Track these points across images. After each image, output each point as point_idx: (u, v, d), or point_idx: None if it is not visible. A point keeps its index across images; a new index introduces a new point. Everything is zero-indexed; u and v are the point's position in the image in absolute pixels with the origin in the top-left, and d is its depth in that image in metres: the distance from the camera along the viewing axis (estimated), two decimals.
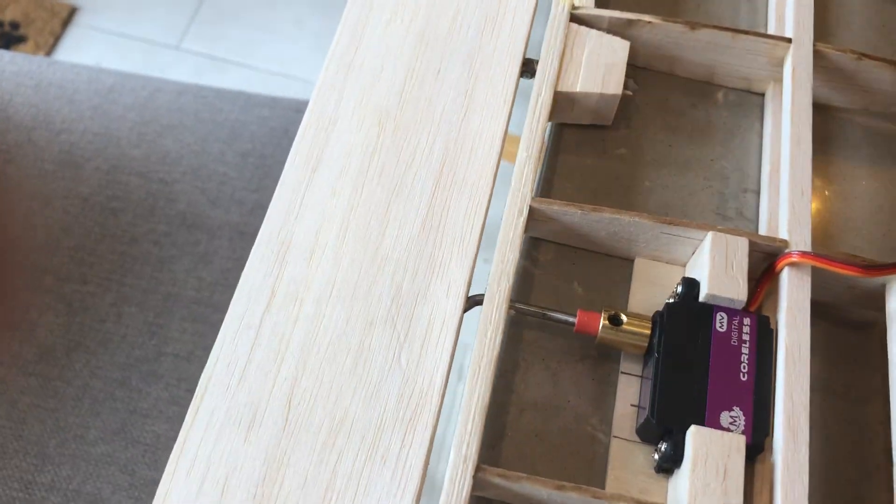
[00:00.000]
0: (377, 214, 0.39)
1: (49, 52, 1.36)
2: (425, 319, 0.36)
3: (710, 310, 0.36)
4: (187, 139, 0.86)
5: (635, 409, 0.37)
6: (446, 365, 0.35)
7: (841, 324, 0.40)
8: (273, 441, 0.33)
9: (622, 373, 0.38)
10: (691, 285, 0.37)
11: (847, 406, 0.39)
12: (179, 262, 0.79)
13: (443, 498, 0.32)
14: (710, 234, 0.37)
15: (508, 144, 0.42)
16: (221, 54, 1.40)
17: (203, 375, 0.35)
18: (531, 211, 0.39)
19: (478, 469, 0.33)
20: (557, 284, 0.41)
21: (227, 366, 0.35)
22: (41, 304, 0.75)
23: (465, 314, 0.38)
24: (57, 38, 1.38)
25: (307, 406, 0.34)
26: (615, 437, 0.36)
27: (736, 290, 0.36)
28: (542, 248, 0.42)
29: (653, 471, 0.35)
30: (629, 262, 0.41)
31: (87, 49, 1.38)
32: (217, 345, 0.36)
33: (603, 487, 0.35)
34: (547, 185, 0.44)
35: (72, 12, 1.40)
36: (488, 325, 0.36)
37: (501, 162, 0.42)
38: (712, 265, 0.37)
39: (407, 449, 0.33)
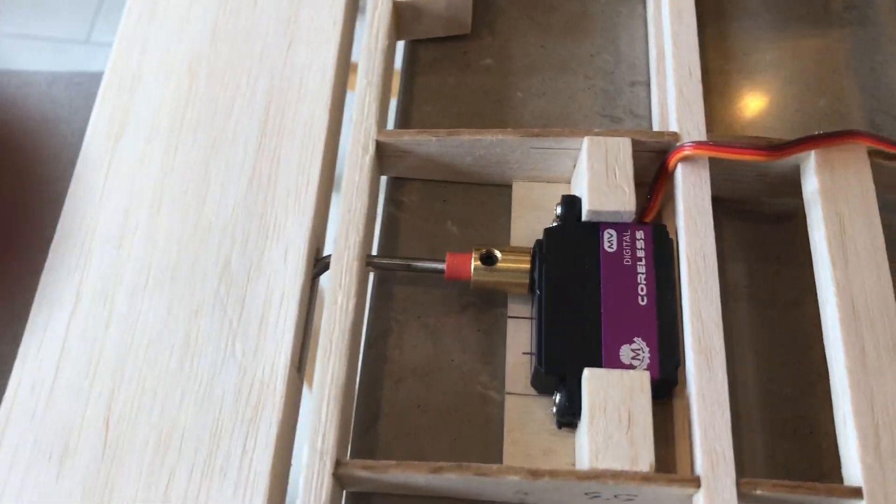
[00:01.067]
0: (195, 177, 0.32)
1: None
2: (261, 296, 0.30)
3: (595, 228, 0.31)
4: (63, 131, 0.78)
5: (528, 357, 0.31)
6: (289, 346, 0.29)
7: (757, 220, 0.35)
8: (91, 471, 0.28)
9: (510, 317, 0.32)
10: (571, 204, 0.31)
11: (777, 313, 0.33)
12: None
13: None
14: (585, 140, 0.32)
15: (354, 74, 0.36)
16: (35, 31, 1.31)
17: (3, 405, 0.29)
18: (380, 147, 0.33)
19: (338, 464, 0.27)
20: (429, 228, 0.35)
21: (31, 389, 0.29)
22: None
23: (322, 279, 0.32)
24: None
25: (129, 422, 0.28)
26: (509, 393, 0.31)
27: (622, 200, 0.30)
28: (407, 189, 0.36)
29: (555, 427, 0.30)
30: (507, 188, 0.35)
31: None
32: (17, 365, 0.30)
33: (499, 452, 0.30)
34: (405, 115, 0.37)
35: None
36: (338, 289, 0.30)
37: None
38: (591, 175, 0.31)
39: (249, 455, 0.27)
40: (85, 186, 0.33)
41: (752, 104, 0.38)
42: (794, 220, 0.35)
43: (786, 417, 0.31)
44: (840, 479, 0.30)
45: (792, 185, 0.33)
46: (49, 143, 0.78)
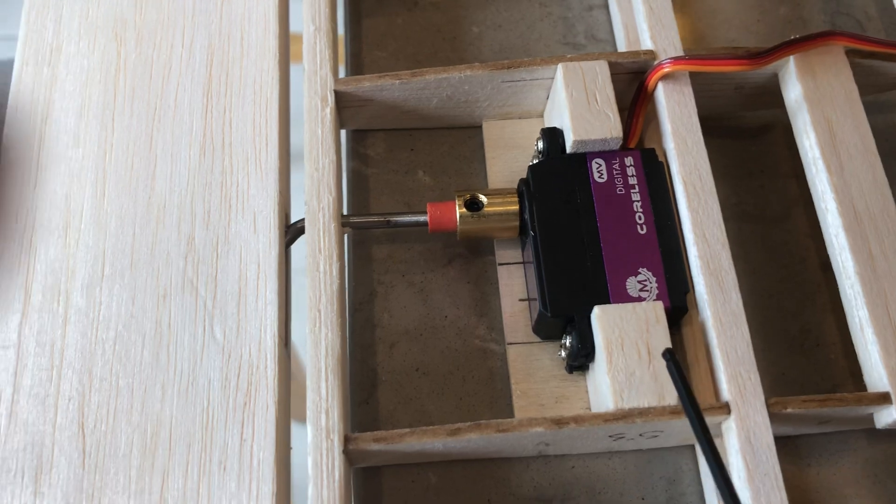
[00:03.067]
0: (140, 152, 0.29)
1: None
2: (234, 271, 0.27)
3: (582, 159, 0.29)
4: None
5: (526, 303, 0.30)
6: (275, 320, 0.27)
7: (735, 135, 0.34)
8: (73, 484, 0.25)
9: (500, 264, 0.30)
10: (553, 136, 0.29)
11: (766, 227, 0.32)
12: None
13: (311, 491, 0.24)
14: (559, 67, 0.30)
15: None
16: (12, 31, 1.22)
17: None
18: (339, 97, 0.30)
19: (347, 440, 0.25)
20: (399, 179, 0.32)
21: None
22: None
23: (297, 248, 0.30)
24: None
25: (107, 426, 0.25)
26: (510, 343, 0.29)
27: (607, 126, 0.29)
28: (370, 140, 0.33)
29: (565, 371, 0.28)
30: (477, 129, 0.33)
31: None
32: None
33: (510, 405, 0.28)
34: (356, 62, 0.35)
35: None
36: (318, 254, 0.27)
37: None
38: (572, 104, 0.29)
39: (249, 444, 0.25)
40: (14, 174, 0.29)
41: (714, 18, 0.36)
42: (773, 132, 0.34)
43: (791, 332, 0.30)
44: (855, 386, 0.29)
45: (770, 94, 0.32)
46: None
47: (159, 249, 0.28)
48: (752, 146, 0.34)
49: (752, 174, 0.33)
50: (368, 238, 0.31)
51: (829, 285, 0.31)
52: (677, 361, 0.23)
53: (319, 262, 0.27)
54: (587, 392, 0.28)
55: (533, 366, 0.29)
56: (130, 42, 0.31)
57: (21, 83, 0.31)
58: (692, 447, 0.28)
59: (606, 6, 0.36)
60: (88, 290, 0.27)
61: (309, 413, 0.25)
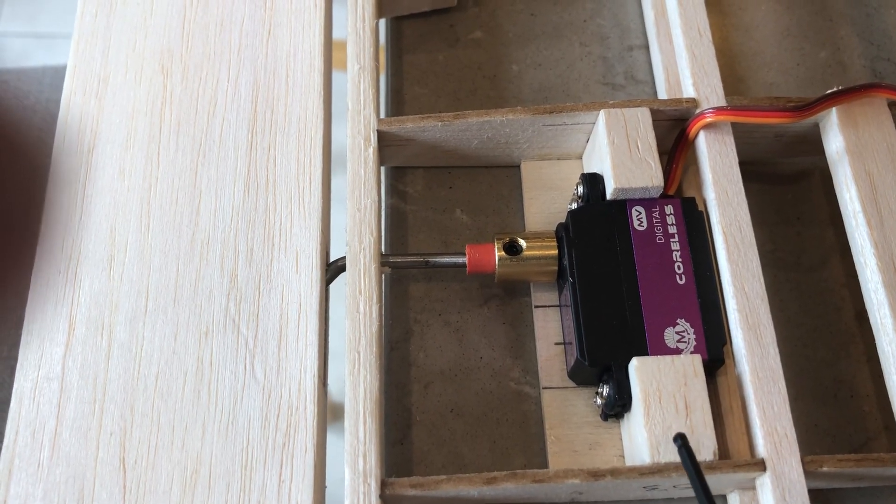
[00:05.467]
0: (185, 187, 0.30)
1: None
2: (276, 310, 0.28)
3: (622, 206, 0.29)
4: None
5: (562, 347, 0.30)
6: (316, 360, 0.27)
7: (772, 181, 0.34)
8: None
9: (536, 307, 0.30)
10: (594, 181, 0.29)
11: (801, 275, 0.32)
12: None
13: None
14: (601, 114, 0.30)
15: (340, 52, 0.33)
16: (47, 28, 1.23)
17: (2, 457, 0.26)
18: (381, 136, 0.31)
19: (384, 485, 0.25)
20: (437, 218, 0.33)
21: (31, 436, 0.26)
22: None
23: (332, 285, 0.30)
24: None
25: (147, 462, 0.26)
26: (545, 387, 0.29)
27: (648, 175, 0.29)
28: (409, 178, 0.33)
29: (599, 418, 0.29)
30: (515, 168, 0.33)
31: None
32: (13, 411, 0.27)
33: (544, 451, 0.29)
34: (396, 99, 0.35)
35: None
36: (358, 295, 0.28)
37: (337, 73, 0.33)
38: (613, 151, 0.29)
39: (287, 485, 0.25)
40: (61, 206, 0.30)
41: (754, 60, 0.36)
42: (810, 178, 0.34)
43: (825, 383, 0.30)
44: (889, 440, 0.29)
45: (809, 143, 0.32)
46: None
47: (202, 286, 0.28)
48: (788, 192, 0.34)
49: (789, 221, 0.33)
50: (406, 276, 0.32)
51: (865, 336, 0.31)
52: (689, 448, 0.24)
53: (359, 304, 0.27)
54: (621, 439, 0.28)
55: (567, 411, 0.29)
56: (177, 75, 0.32)
57: (69, 113, 0.31)
58: (724, 497, 0.28)
59: (646, 47, 0.36)
60: (132, 325, 0.28)
61: (347, 456, 0.25)
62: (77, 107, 0.31)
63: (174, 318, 0.28)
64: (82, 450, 0.26)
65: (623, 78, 0.36)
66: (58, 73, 0.77)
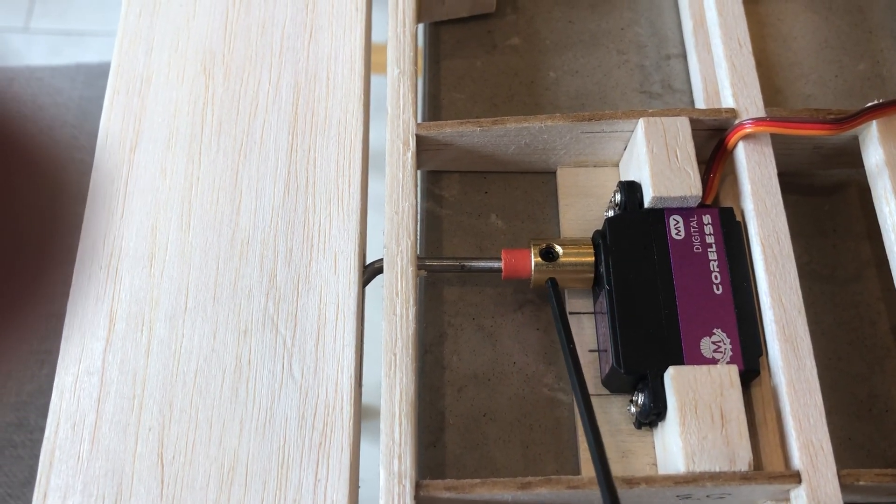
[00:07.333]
0: (225, 187, 0.30)
1: None
2: (314, 309, 0.28)
3: (660, 215, 0.29)
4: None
5: (596, 354, 0.30)
6: (353, 361, 0.27)
7: (809, 192, 0.34)
8: None
9: (571, 313, 0.31)
10: (632, 190, 0.30)
11: (837, 288, 0.32)
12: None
13: None
14: (640, 122, 0.30)
15: (378, 55, 0.34)
16: (76, 26, 1.24)
17: (43, 448, 0.27)
18: (419, 140, 0.31)
19: (418, 487, 0.25)
20: (472, 222, 0.33)
21: (71, 429, 0.27)
22: None
23: (368, 287, 0.30)
24: None
25: (185, 458, 0.26)
26: None
27: (686, 184, 0.29)
28: (445, 182, 0.34)
29: (632, 426, 0.29)
30: (551, 174, 0.33)
31: None
32: (53, 404, 0.27)
33: (576, 457, 0.29)
34: (434, 103, 0.35)
35: None
36: (395, 297, 0.28)
37: (375, 76, 0.34)
38: (652, 159, 0.29)
39: (323, 484, 0.26)
40: (103, 202, 0.30)
41: (791, 72, 0.36)
42: (847, 191, 0.34)
43: (860, 396, 0.30)
44: None
45: (848, 155, 0.32)
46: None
47: (242, 285, 0.28)
48: (825, 204, 0.34)
49: (825, 233, 0.33)
50: (440, 280, 0.32)
51: None
52: (557, 286, 0.28)
53: (396, 306, 0.28)
54: (654, 447, 0.28)
55: (601, 418, 0.29)
56: (218, 76, 0.32)
57: (112, 110, 0.32)
58: None
59: (684, 56, 0.36)
60: (171, 322, 0.28)
61: (382, 457, 0.26)
62: (120, 105, 0.32)
63: (213, 317, 0.28)
64: (121, 444, 0.26)
65: (660, 87, 0.36)
66: (91, 71, 0.77)
